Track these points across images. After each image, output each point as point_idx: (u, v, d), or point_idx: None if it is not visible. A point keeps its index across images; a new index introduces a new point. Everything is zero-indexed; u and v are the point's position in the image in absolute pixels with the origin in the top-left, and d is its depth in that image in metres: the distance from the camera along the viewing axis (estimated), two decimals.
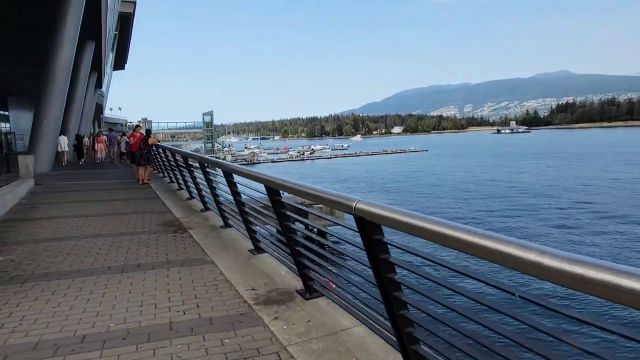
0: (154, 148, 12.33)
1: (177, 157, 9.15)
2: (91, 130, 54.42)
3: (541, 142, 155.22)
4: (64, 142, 23.86)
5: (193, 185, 8.22)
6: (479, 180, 58.56)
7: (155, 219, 7.53)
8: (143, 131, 13.95)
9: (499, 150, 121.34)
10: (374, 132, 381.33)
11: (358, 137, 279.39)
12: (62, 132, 27.32)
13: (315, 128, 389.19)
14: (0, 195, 8.03)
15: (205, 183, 6.77)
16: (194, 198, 8.96)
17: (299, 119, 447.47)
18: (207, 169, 6.55)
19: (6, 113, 48.12)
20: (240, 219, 5.28)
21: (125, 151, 25.27)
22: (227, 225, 6.60)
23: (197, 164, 7.21)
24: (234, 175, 5.07)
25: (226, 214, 6.45)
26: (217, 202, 6.48)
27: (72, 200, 9.54)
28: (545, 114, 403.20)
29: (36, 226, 7.05)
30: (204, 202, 7.88)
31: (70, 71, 17.95)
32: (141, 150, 12.26)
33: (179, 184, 10.54)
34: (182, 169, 8.97)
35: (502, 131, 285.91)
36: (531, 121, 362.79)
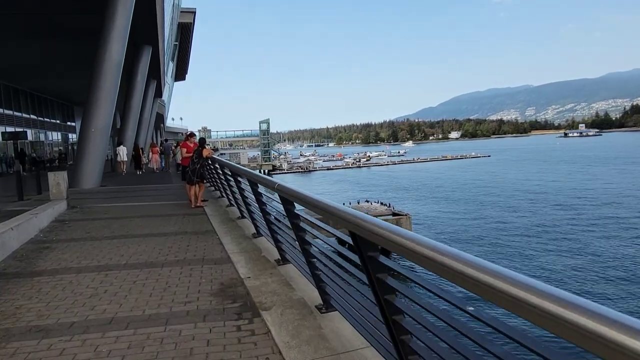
0: (209, 162, 9.81)
1: (238, 179, 6.47)
2: (152, 140, 54.82)
3: (617, 145, 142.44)
4: (123, 152, 23.34)
5: (264, 222, 5.45)
6: (556, 188, 52.86)
7: (206, 279, 4.80)
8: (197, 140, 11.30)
9: (570, 155, 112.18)
10: (431, 138, 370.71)
11: (409, 143, 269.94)
12: (120, 141, 26.57)
13: (370, 134, 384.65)
14: None
15: (290, 226, 3.99)
16: (262, 236, 6.26)
17: (353, 125, 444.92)
18: (291, 203, 3.74)
19: (73, 124, 48.95)
20: (377, 310, 2.40)
21: (180, 162, 23.57)
22: (328, 305, 3.76)
23: (271, 192, 4.51)
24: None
25: (327, 287, 3.60)
26: (309, 257, 3.65)
27: (101, 236, 7.10)
28: (617, 116, 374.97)
29: (27, 292, 4.49)
30: (281, 251, 5.09)
31: (119, 76, 16.08)
32: (194, 165, 9.79)
33: (240, 211, 7.91)
34: (246, 195, 6.31)
35: (570, 134, 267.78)
36: (601, 123, 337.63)
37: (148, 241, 6.63)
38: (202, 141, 10.05)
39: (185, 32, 45.67)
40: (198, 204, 9.83)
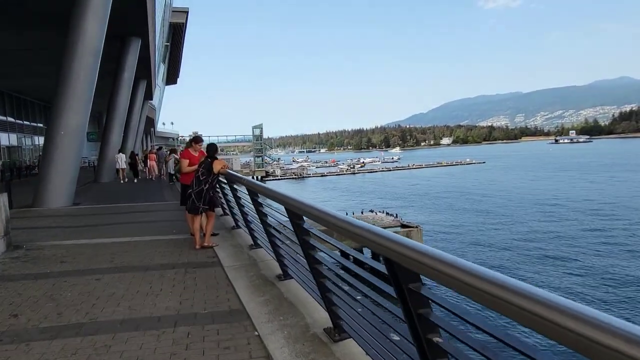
0: (223, 181, 6.50)
1: (300, 224, 3.33)
2: (142, 144, 51.58)
3: (609, 152, 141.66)
4: (122, 160, 22.90)
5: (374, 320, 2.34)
6: (562, 197, 50.30)
7: None
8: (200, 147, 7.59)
9: (567, 161, 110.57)
10: (422, 144, 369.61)
11: (397, 150, 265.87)
12: (103, 144, 23.71)
13: (362, 140, 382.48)
14: None
15: None
16: (351, 336, 3.07)
17: (344, 131, 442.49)
18: None
19: None
20: None
21: (173, 172, 20.63)
22: None
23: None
24: None
25: None
26: None
27: (32, 327, 3.69)
28: (606, 123, 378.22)
29: None
30: None
31: (97, 67, 12.72)
32: (200, 184, 6.41)
33: (283, 266, 4.70)
34: (317, 257, 3.20)
35: (561, 141, 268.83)
36: (591, 130, 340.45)
37: (119, 348, 3.37)
38: (213, 149, 6.57)
39: (177, 33, 42.98)
40: (205, 244, 6.50)
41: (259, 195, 4.77)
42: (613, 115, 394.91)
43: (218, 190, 7.38)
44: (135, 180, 23.21)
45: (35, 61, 23.77)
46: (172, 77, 57.13)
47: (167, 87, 61.24)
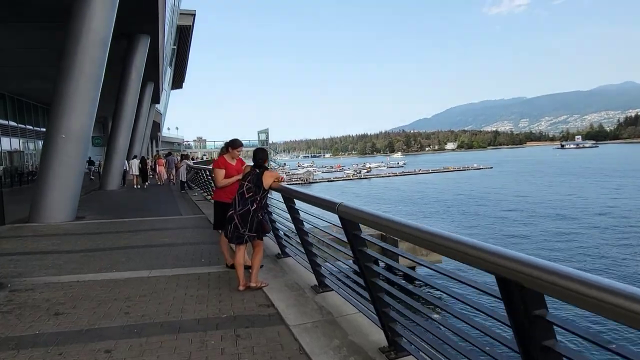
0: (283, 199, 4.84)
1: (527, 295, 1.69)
2: (148, 150, 50.27)
3: (619, 157, 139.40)
4: (135, 166, 22.78)
5: None
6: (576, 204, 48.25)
7: None
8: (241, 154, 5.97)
9: (577, 167, 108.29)
10: (427, 149, 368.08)
11: (398, 155, 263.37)
12: (110, 149, 22.35)
13: (367, 145, 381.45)
14: None
15: None
16: None
17: (349, 136, 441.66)
18: None
19: None
20: None
21: (185, 180, 19.04)
22: None
23: None
24: None
25: None
26: None
27: None
28: (611, 128, 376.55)
29: None
30: None
31: (104, 60, 11.10)
32: (245, 204, 4.65)
33: (390, 328, 3.01)
34: None
35: (567, 146, 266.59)
36: (596, 135, 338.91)
37: None
38: (262, 156, 4.86)
39: (184, 36, 41.79)
40: (252, 284, 4.72)
41: (360, 226, 3.16)
42: (618, 120, 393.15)
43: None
44: (145, 186, 22.76)
45: (39, 62, 22.28)
46: (178, 81, 56.01)
47: (172, 91, 60.12)
